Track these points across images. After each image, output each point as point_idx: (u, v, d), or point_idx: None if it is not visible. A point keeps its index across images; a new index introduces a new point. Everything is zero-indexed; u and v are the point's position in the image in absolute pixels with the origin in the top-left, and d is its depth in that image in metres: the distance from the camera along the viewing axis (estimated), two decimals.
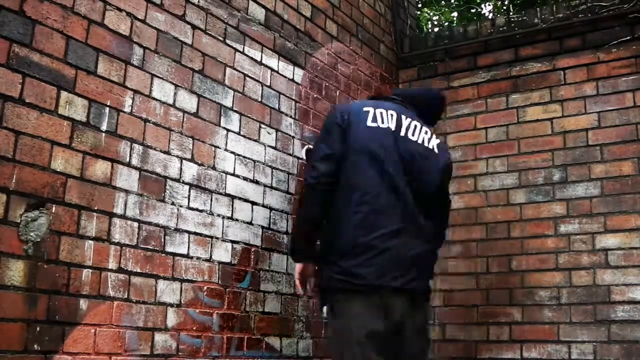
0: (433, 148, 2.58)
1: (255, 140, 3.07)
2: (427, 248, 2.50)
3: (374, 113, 2.50)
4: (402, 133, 2.51)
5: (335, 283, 2.37)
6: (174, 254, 2.59)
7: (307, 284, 2.61)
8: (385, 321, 2.34)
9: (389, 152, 2.46)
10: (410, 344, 2.43)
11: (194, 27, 2.81)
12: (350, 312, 2.34)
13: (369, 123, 2.48)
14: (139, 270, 2.43)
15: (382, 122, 2.49)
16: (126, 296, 2.37)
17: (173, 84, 2.68)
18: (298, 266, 2.59)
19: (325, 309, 2.47)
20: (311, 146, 3.42)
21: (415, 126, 2.56)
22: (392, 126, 2.50)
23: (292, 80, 3.37)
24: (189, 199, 2.68)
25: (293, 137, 3.32)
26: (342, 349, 2.34)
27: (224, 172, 2.87)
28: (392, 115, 2.52)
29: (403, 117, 2.55)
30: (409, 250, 2.40)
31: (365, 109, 2.52)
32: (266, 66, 3.20)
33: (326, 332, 3.25)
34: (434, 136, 2.63)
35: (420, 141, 2.55)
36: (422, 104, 2.72)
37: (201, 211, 2.73)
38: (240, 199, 2.94)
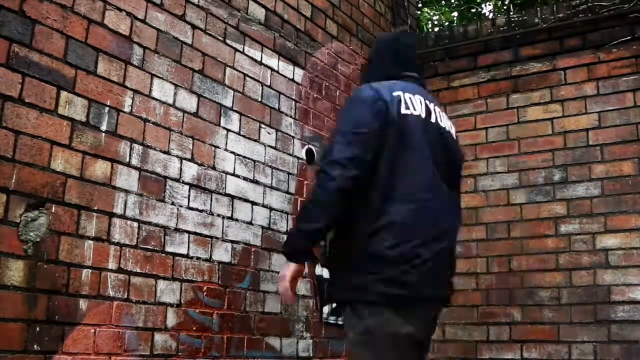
0: (452, 132, 2.46)
1: (255, 140, 3.07)
2: (454, 250, 2.36)
3: (404, 99, 2.28)
4: (432, 120, 2.34)
5: (375, 292, 2.12)
6: (174, 254, 2.59)
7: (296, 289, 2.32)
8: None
9: (425, 142, 2.26)
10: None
11: (194, 27, 2.81)
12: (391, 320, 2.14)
13: (403, 110, 2.26)
14: (138, 270, 2.43)
15: (415, 109, 2.29)
16: (126, 296, 2.37)
17: (173, 84, 2.68)
18: (293, 267, 2.24)
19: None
20: (312, 146, 3.41)
21: (437, 111, 2.40)
22: (423, 114, 2.31)
23: (292, 80, 3.37)
24: (189, 199, 2.68)
25: (293, 137, 3.31)
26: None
27: (224, 172, 2.87)
28: (420, 100, 2.33)
29: (427, 102, 2.37)
30: (449, 257, 2.26)
31: (395, 93, 2.28)
32: (266, 66, 3.20)
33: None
34: (451, 122, 2.51)
35: (444, 126, 2.40)
36: (420, 69, 2.57)
37: (201, 211, 2.73)
38: (240, 199, 2.93)
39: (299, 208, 3.17)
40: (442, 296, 2.23)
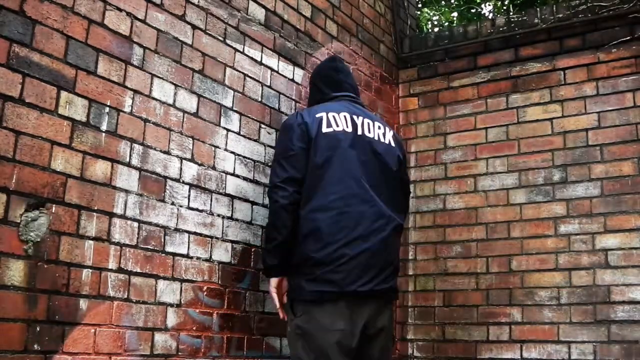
0: (389, 142, 2.71)
1: (255, 140, 3.07)
2: (394, 248, 2.62)
3: (327, 118, 2.58)
4: (359, 132, 2.62)
5: (307, 291, 2.44)
6: (174, 254, 2.59)
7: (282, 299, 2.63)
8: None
9: (349, 154, 2.55)
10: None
11: (194, 27, 2.81)
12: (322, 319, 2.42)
13: (325, 129, 2.56)
14: (139, 270, 2.43)
15: (337, 126, 2.58)
16: (126, 296, 2.37)
17: (173, 84, 2.68)
18: (274, 281, 2.60)
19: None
20: None
21: (369, 123, 2.67)
22: (349, 128, 2.60)
23: (292, 80, 3.37)
24: (189, 199, 2.68)
25: None
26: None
27: (224, 172, 2.87)
28: (344, 117, 2.62)
29: (355, 117, 2.65)
30: (379, 255, 2.49)
31: (317, 115, 2.59)
32: (266, 66, 3.20)
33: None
34: (387, 128, 2.75)
35: (376, 138, 2.66)
36: (353, 87, 2.87)
37: (201, 211, 2.73)
38: (240, 199, 2.94)
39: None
40: (375, 290, 2.46)
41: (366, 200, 2.51)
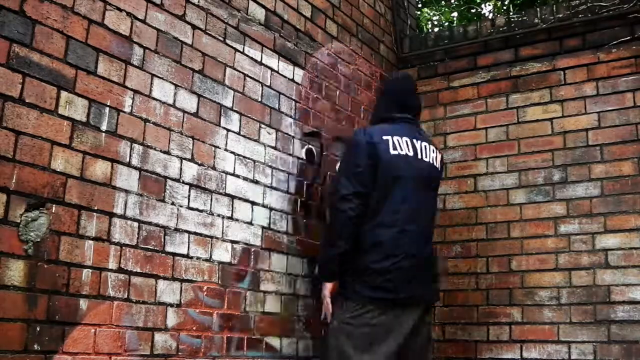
0: (439, 167, 3.06)
1: (255, 140, 3.07)
2: (434, 260, 3.08)
3: (393, 141, 2.87)
4: (419, 157, 2.92)
5: (363, 295, 2.75)
6: (174, 254, 2.59)
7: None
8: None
9: (411, 177, 2.85)
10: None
11: (194, 27, 2.81)
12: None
13: (392, 152, 2.85)
14: (139, 270, 2.43)
15: (402, 150, 2.88)
16: (126, 296, 2.37)
17: (173, 84, 2.68)
18: (331, 286, 2.90)
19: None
20: (312, 146, 3.42)
21: (425, 147, 2.98)
22: (410, 152, 2.90)
23: (292, 80, 3.37)
24: (189, 199, 2.68)
25: (293, 137, 3.32)
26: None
27: (224, 172, 2.87)
28: (406, 142, 2.91)
29: (414, 140, 2.95)
30: (425, 267, 2.87)
31: (384, 137, 2.86)
32: (266, 66, 3.20)
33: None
34: (437, 150, 3.07)
35: (431, 161, 2.98)
36: (415, 108, 3.14)
37: (201, 211, 2.73)
38: (240, 199, 2.94)
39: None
40: (420, 296, 2.84)
41: (420, 222, 2.87)
